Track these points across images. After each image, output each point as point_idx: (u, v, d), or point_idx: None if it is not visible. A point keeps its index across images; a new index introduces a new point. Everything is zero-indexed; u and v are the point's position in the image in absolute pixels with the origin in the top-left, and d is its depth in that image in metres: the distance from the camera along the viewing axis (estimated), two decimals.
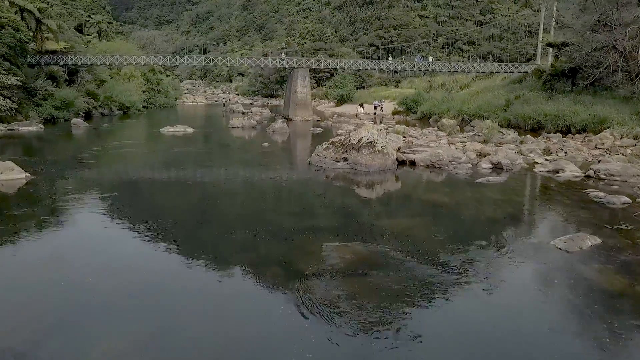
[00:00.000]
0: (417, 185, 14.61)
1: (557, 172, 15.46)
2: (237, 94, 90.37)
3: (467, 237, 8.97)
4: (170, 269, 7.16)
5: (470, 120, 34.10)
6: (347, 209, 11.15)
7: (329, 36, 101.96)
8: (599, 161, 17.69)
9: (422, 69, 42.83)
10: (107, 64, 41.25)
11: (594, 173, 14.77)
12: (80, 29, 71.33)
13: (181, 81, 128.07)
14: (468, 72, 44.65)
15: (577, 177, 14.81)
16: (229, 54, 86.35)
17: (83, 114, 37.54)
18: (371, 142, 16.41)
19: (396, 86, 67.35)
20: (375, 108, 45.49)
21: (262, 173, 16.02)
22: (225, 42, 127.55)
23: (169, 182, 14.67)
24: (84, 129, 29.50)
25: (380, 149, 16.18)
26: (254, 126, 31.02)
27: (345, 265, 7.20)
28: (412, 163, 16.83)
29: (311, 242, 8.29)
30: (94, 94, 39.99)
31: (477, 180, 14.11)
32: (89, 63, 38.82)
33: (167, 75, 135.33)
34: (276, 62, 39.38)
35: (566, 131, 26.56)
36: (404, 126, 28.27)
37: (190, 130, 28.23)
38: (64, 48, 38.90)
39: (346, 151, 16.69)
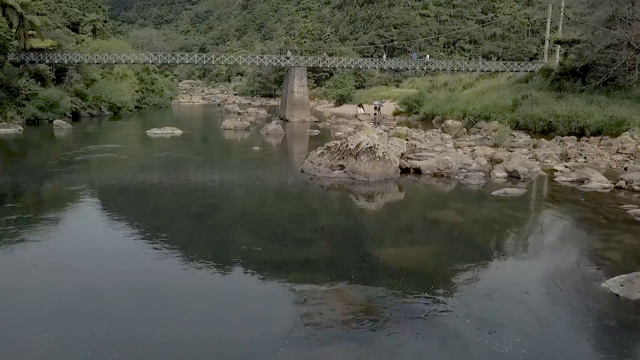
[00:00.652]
0: (425, 199, 12.64)
1: (582, 182, 13.51)
2: (235, 94, 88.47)
3: (492, 276, 7.04)
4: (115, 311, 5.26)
5: (476, 122, 32.18)
6: (341, 232, 9.20)
7: (328, 35, 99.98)
8: (625, 168, 15.77)
9: (417, 68, 40.74)
10: (97, 62, 39.33)
11: (626, 184, 12.82)
12: (75, 27, 69.61)
13: (180, 81, 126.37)
14: (472, 70, 42.64)
15: (606, 188, 12.85)
16: (227, 53, 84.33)
17: (70, 115, 35.65)
18: (371, 147, 14.49)
19: (397, 86, 65.43)
20: (376, 108, 43.58)
21: (245, 183, 14.07)
22: (225, 42, 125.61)
23: (131, 195, 12.74)
24: (66, 131, 27.58)
25: (381, 155, 14.24)
26: (247, 128, 29.09)
27: (335, 328, 5.25)
28: (417, 171, 14.89)
29: (290, 289, 6.30)
30: (82, 94, 38.07)
31: (493, 193, 12.17)
32: (76, 61, 36.87)
33: (166, 75, 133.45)
34: (272, 60, 37.46)
35: (580, 133, 24.64)
36: (406, 128, 26.32)
37: (178, 132, 26.31)
38: (50, 46, 36.97)
39: (343, 158, 14.77)
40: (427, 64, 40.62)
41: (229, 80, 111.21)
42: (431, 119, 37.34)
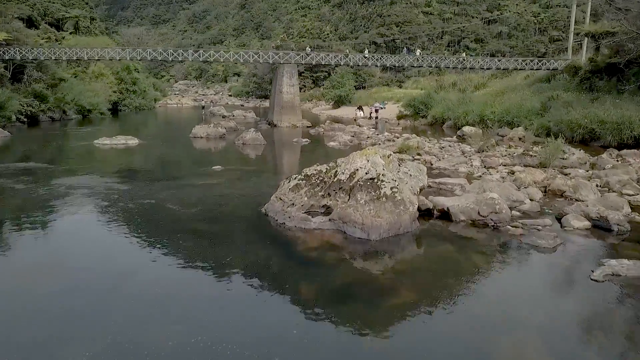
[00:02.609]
0: (473, 293, 6.72)
1: None
2: (230, 95, 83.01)
3: None
4: None
5: (495, 127, 26.66)
6: None
7: (328, 34, 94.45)
8: None
9: (406, 64, 35.08)
10: (62, 59, 33.85)
11: None
12: (57, 24, 64.20)
13: (176, 82, 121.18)
14: (486, 68, 36.96)
15: None
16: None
17: (25, 119, 30.21)
18: (373, 179, 8.98)
19: (399, 86, 59.83)
20: (377, 111, 38.07)
21: (164, 242, 8.45)
22: (222, 42, 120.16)
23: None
24: None
25: (389, 193, 8.70)
26: (222, 136, 23.56)
27: None
28: (445, 215, 9.38)
29: None
30: (41, 95, 32.58)
31: (595, 277, 6.55)
32: (30, 57, 31.38)
33: (162, 76, 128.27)
34: (258, 56, 31.94)
35: (633, 144, 19.21)
36: (417, 138, 20.81)
37: (133, 142, 20.84)
38: (4, 40, 31.52)
39: (329, 194, 9.26)
40: (418, 60, 34.71)
41: (225, 81, 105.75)
42: (441, 123, 31.82)
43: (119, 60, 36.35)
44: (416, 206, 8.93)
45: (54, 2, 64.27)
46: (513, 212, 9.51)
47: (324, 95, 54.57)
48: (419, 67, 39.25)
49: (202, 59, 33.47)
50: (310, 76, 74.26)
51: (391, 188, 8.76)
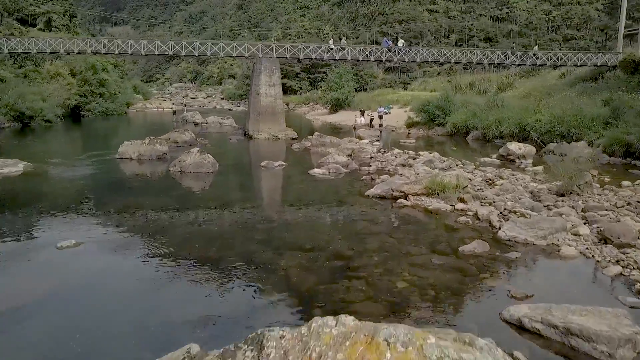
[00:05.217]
0: None
1: None
2: (222, 98, 75.53)
3: None
4: None
5: (541, 140, 19.08)
6: None
7: (327, 34, 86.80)
8: None
9: (384, 59, 27.02)
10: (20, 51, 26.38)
11: None
12: (30, 20, 56.89)
13: (170, 84, 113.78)
14: (518, 64, 29.13)
15: None
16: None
17: None
18: None
19: (405, 88, 52.10)
20: (381, 117, 30.46)
21: None
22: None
23: None
24: None
25: None
26: (161, 156, 15.91)
27: None
28: None
29: None
30: None
31: None
32: None
33: (156, 79, 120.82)
34: (231, 48, 24.26)
35: None
36: (457, 172, 13.20)
37: (17, 169, 13.31)
38: None
39: None
40: (399, 53, 26.46)
41: (220, 84, 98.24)
42: (464, 133, 24.19)
43: (105, 54, 28.65)
44: None
45: None
46: None
47: (321, 98, 46.91)
48: (424, 61, 31.21)
49: (172, 52, 25.79)
50: (307, 77, 66.75)
51: None
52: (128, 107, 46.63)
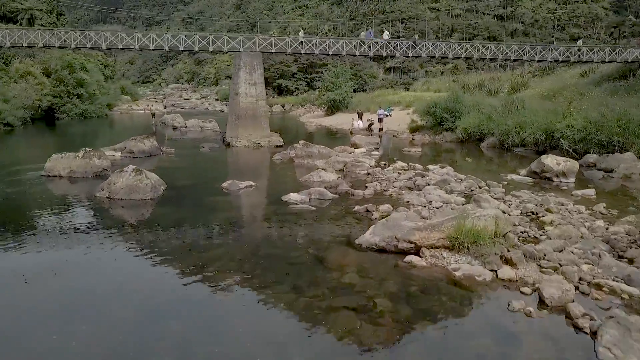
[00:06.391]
0: None
1: None
2: (217, 99, 71.95)
3: None
4: None
5: (574, 150, 15.49)
6: None
7: (325, 33, 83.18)
8: None
9: (371, 53, 22.97)
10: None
11: None
12: (12, 18, 53.44)
13: (167, 85, 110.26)
14: (539, 60, 25.45)
15: None
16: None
17: None
18: None
19: (406, 89, 48.39)
20: (381, 120, 26.82)
21: None
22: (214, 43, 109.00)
23: None
24: None
25: None
26: (100, 173, 12.21)
27: None
28: None
29: None
30: None
31: None
32: None
33: (153, 79, 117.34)
34: (207, 41, 20.59)
35: None
36: (483, 192, 9.42)
37: None
38: None
39: None
40: (381, 48, 22.35)
41: (217, 84, 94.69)
42: (477, 140, 20.54)
43: (91, 49, 24.91)
44: None
45: None
46: None
47: (316, 99, 43.23)
48: (430, 57, 27.35)
49: (138, 46, 22.16)
50: (305, 77, 63.17)
51: None
52: (110, 109, 43.00)
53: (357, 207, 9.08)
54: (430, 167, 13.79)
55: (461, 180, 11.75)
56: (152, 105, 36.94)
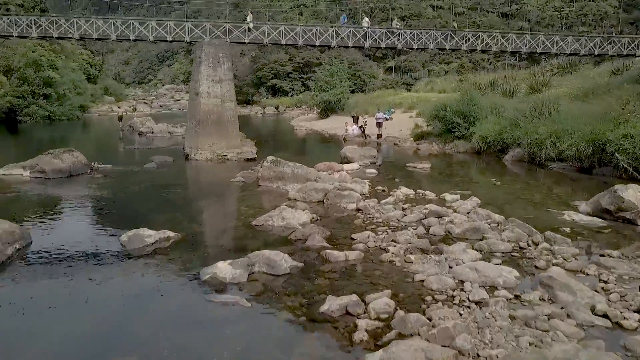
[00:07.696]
0: None
1: None
2: None
3: None
4: None
5: (634, 168, 11.23)
6: None
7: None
8: None
9: (351, 44, 18.49)
10: None
11: None
12: None
13: (162, 85, 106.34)
14: (570, 54, 21.12)
15: None
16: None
17: None
18: None
19: (408, 89, 44.03)
20: (380, 125, 22.48)
21: None
22: None
23: None
24: None
25: None
26: None
27: None
28: None
29: None
30: None
31: None
32: None
33: (149, 80, 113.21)
34: (164, 29, 16.41)
35: None
36: (543, 252, 4.83)
37: None
38: None
39: None
40: (363, 36, 17.91)
41: None
42: (498, 151, 16.26)
43: (58, 38, 20.60)
44: None
45: None
46: None
47: (310, 99, 38.92)
48: (439, 49, 22.93)
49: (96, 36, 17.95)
50: (300, 77, 58.98)
51: None
52: (85, 111, 38.78)
53: (328, 306, 4.74)
54: (448, 196, 9.53)
55: (498, 225, 7.48)
56: (119, 107, 32.68)
